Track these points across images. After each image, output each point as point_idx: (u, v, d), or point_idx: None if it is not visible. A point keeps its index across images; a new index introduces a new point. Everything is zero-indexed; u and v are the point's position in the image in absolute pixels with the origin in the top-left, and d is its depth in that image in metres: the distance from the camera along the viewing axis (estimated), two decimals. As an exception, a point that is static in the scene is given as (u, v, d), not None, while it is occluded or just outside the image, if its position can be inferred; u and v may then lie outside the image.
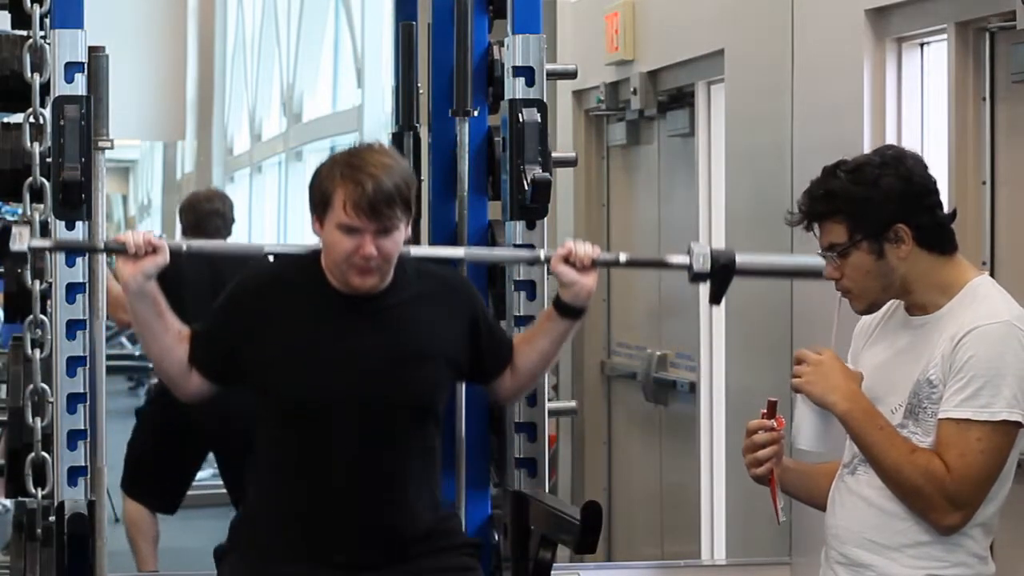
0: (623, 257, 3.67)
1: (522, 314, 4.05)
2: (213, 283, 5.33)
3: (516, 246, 4.03)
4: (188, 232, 6.17)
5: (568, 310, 3.53)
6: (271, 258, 3.73)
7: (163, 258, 3.41)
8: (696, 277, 3.53)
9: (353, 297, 3.40)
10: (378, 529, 3.40)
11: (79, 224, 3.89)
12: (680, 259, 3.53)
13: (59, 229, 3.91)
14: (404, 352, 3.42)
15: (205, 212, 6.11)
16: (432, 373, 3.46)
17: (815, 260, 3.12)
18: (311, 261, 3.45)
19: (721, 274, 3.54)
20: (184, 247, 3.63)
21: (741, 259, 3.53)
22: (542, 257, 3.63)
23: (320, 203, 3.36)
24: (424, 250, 3.73)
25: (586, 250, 3.49)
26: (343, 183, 3.31)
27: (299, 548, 3.40)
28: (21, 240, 3.48)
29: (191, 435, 5.83)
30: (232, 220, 6.17)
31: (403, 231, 3.36)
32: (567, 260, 3.49)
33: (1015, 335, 2.92)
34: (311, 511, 3.40)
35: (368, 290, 3.38)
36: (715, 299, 3.59)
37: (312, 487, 3.40)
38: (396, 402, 3.41)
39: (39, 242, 3.70)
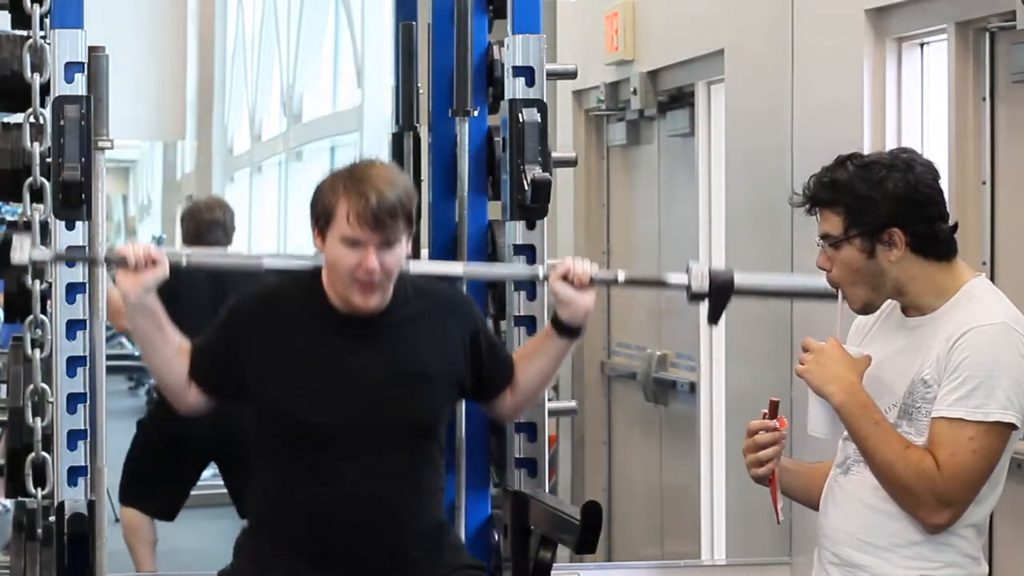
0: (621, 276, 3.61)
1: (522, 314, 4.05)
2: (213, 293, 5.35)
3: (516, 246, 4.04)
4: (188, 240, 6.21)
5: (566, 329, 3.51)
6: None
7: (163, 271, 3.38)
8: (694, 297, 3.51)
9: (353, 316, 3.38)
10: (378, 550, 3.38)
11: (79, 224, 3.89)
12: (678, 278, 3.52)
13: (59, 229, 3.91)
14: (404, 371, 3.40)
15: (206, 222, 6.15)
16: (433, 392, 3.44)
17: (817, 281, 3.11)
18: (312, 278, 3.43)
19: (719, 294, 3.52)
20: (184, 260, 3.57)
21: (740, 279, 3.52)
22: (541, 275, 3.62)
23: (322, 217, 3.34)
24: (423, 266, 3.69)
25: (584, 268, 3.47)
26: (346, 195, 3.29)
27: (299, 566, 3.37)
28: (22, 252, 3.47)
29: (191, 446, 5.82)
30: (233, 229, 6.21)
31: (404, 246, 3.35)
32: (565, 278, 3.48)
33: (1010, 337, 2.92)
34: (311, 530, 3.37)
35: (370, 310, 3.36)
36: (713, 319, 3.56)
37: (312, 506, 3.37)
38: (397, 422, 3.39)
39: (40, 254, 3.64)
